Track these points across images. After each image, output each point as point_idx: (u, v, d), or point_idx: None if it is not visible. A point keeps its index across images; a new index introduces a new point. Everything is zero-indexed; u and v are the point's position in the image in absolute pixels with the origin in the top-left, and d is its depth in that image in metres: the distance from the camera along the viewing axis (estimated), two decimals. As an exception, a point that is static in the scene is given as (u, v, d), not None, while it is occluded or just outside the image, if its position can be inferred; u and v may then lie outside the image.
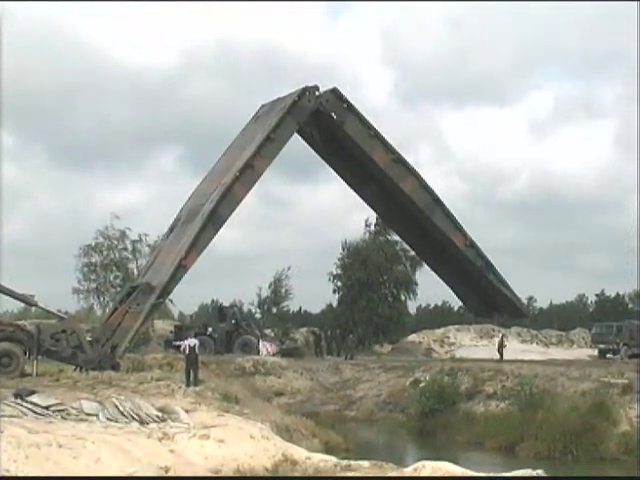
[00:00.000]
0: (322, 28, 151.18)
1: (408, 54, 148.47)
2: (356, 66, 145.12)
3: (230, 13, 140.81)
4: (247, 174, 40.38)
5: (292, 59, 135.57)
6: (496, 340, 65.02)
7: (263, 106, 45.36)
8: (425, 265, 60.13)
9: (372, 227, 64.79)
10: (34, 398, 21.98)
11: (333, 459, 20.36)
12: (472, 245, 46.12)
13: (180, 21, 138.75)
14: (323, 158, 47.18)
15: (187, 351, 29.07)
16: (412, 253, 61.77)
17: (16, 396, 22.25)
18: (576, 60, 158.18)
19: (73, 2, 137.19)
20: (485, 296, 48.58)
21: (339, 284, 65.35)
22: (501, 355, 46.58)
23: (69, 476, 13.94)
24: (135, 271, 61.05)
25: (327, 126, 43.61)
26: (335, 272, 65.40)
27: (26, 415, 20.77)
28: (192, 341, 29.79)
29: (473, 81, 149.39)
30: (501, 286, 47.15)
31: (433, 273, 51.55)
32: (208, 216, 39.03)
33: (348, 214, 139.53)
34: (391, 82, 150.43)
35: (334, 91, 43.21)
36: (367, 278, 62.62)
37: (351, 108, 43.45)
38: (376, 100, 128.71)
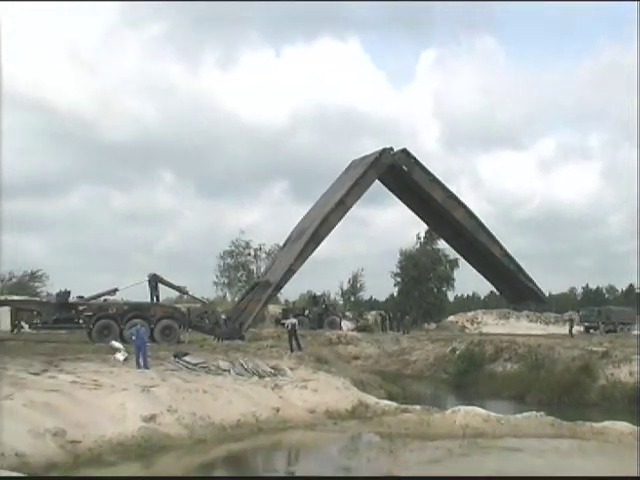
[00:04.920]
0: (389, 94, 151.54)
1: (451, 111, 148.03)
2: (413, 120, 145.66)
3: (324, 84, 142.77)
4: (339, 208, 40.22)
5: (367, 116, 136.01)
6: (512, 320, 64.36)
7: (353, 161, 44.60)
8: (460, 266, 59.98)
9: (422, 239, 64.52)
10: (187, 358, 22.45)
11: (394, 404, 20.53)
12: (506, 254, 44.92)
13: (288, 88, 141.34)
14: (397, 196, 46.48)
15: (289, 327, 29.13)
16: (451, 257, 61.41)
17: (175, 356, 22.75)
18: (573, 115, 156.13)
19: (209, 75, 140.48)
20: (516, 289, 47.35)
21: (398, 280, 65.38)
22: (571, 333, 44.22)
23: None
24: (255, 271, 62.07)
25: (399, 175, 42.82)
26: (395, 271, 65.53)
27: (182, 369, 21.33)
28: (292, 320, 29.74)
29: (498, 131, 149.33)
30: (528, 282, 45.96)
31: (476, 272, 49.38)
32: (311, 236, 39.24)
33: (405, 229, 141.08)
34: (438, 131, 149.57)
35: (404, 150, 42.35)
36: (418, 275, 62.49)
37: (417, 162, 42.53)
38: (427, 145, 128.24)
